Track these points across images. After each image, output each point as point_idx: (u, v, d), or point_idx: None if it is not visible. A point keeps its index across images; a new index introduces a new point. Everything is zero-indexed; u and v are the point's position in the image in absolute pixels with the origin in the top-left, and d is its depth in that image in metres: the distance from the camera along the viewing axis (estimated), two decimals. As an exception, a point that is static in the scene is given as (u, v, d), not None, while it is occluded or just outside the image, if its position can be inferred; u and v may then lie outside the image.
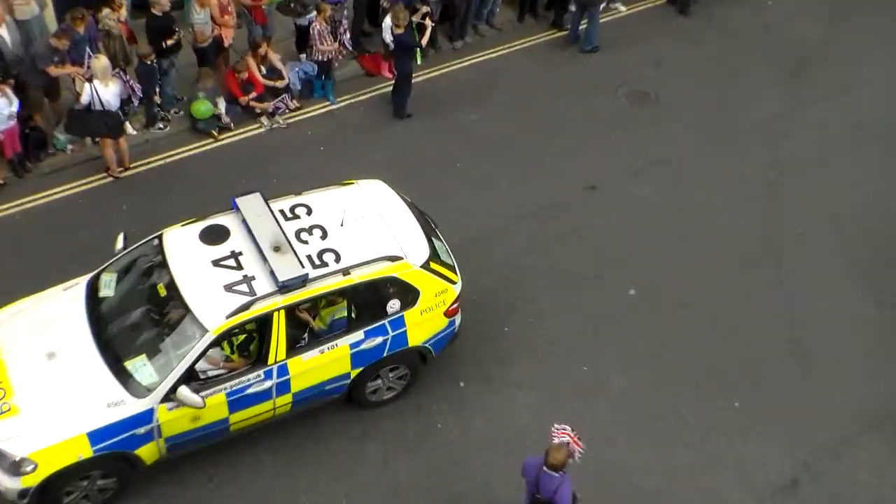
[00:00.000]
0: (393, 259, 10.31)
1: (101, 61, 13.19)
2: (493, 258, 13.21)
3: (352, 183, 11.35)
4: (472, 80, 16.62)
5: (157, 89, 14.58)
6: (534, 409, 11.41)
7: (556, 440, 9.02)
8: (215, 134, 14.78)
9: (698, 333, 12.62)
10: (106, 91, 13.17)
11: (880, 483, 11.29)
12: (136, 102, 14.60)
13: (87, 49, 13.77)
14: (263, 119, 15.08)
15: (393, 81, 15.71)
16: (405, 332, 10.60)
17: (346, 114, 15.73)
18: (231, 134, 14.99)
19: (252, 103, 14.91)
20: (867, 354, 12.55)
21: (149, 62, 14.07)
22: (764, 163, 15.42)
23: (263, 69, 15.02)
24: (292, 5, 15.57)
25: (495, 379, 11.80)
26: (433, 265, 10.63)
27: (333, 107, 15.78)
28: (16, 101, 13.14)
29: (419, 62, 15.95)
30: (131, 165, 14.19)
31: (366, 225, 10.65)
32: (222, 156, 14.68)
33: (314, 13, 15.29)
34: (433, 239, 11.02)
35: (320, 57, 15.37)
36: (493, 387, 11.69)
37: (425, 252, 10.61)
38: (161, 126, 14.81)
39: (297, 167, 14.26)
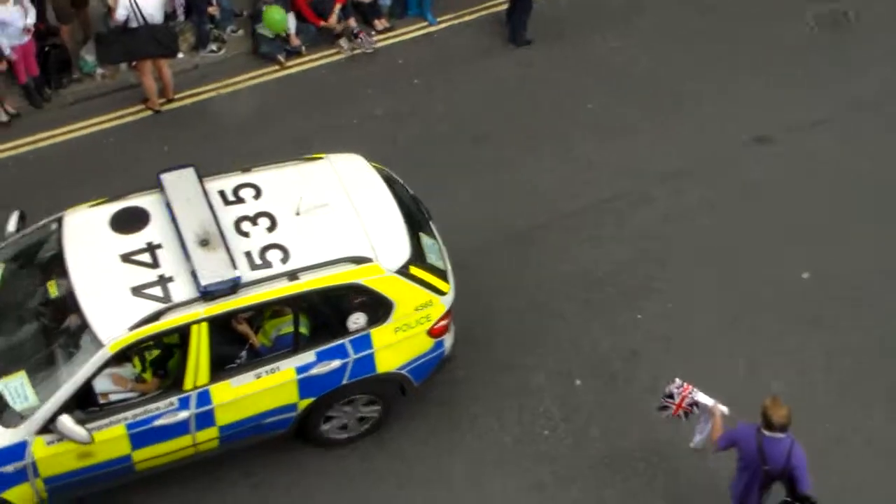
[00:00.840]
0: (358, 261, 9.57)
1: (132, -36, 12.59)
2: (628, 226, 12.70)
3: (321, 157, 10.61)
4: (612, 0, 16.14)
5: (212, 1, 14.44)
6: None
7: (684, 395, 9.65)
8: (282, 60, 14.66)
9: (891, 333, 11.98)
10: (147, 2, 12.96)
11: None
12: (181, 17, 14.47)
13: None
14: (343, 42, 14.96)
15: (510, -2, 15.09)
16: (372, 354, 9.92)
17: (448, 37, 15.49)
18: (301, 60, 14.88)
19: (329, 22, 14.75)
20: None
21: None
22: None
23: None
24: None
25: (619, 377, 11.38)
26: (415, 270, 9.81)
27: (432, 28, 15.63)
28: (32, 11, 12.87)
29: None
30: (176, 97, 14.13)
31: (329, 215, 9.89)
32: (289, 89, 14.51)
33: None
34: (422, 235, 10.25)
35: None
36: (616, 385, 11.30)
37: (405, 252, 9.83)
38: (214, 48, 14.70)
39: (383, 106, 14.06)
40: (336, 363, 9.78)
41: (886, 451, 10.98)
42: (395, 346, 10.00)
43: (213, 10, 14.44)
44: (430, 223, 10.62)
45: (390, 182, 10.54)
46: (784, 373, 11.42)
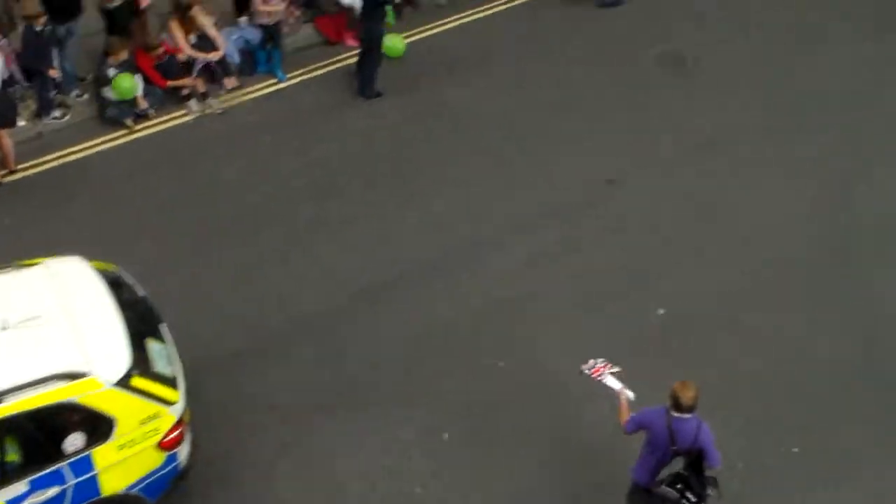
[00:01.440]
0: (72, 376, 8.79)
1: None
2: (485, 275, 12.70)
3: (37, 263, 9.91)
4: (460, 45, 16.42)
5: (53, 65, 14.12)
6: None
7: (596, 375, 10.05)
8: (130, 124, 14.50)
9: (748, 362, 12.17)
10: None
11: None
12: (22, 83, 14.19)
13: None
14: (192, 103, 14.88)
15: (358, 50, 15.38)
16: (95, 476, 9.18)
17: (298, 93, 15.46)
18: (150, 124, 14.72)
19: (177, 81, 14.71)
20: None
21: (39, 28, 13.65)
22: (835, 139, 15.11)
23: (192, 37, 14.87)
24: None
25: (483, 429, 11.31)
26: (137, 381, 9.12)
27: (282, 85, 15.60)
28: None
29: (391, 23, 15.73)
30: (18, 167, 13.82)
31: (41, 327, 9.12)
32: (139, 153, 14.32)
33: None
34: (148, 341, 9.61)
35: (266, 20, 15.32)
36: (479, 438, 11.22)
37: (125, 362, 9.11)
38: (58, 114, 14.44)
39: (236, 165, 13.97)
40: (53, 491, 9.01)
41: (748, 476, 11.24)
42: (120, 465, 9.26)
43: (54, 73, 14.19)
44: (161, 326, 9.94)
45: (115, 285, 9.84)
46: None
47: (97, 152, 14.37)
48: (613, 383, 10.07)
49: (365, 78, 15.25)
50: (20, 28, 14.05)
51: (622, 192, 14.09)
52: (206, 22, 15.06)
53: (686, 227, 13.69)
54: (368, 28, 14.95)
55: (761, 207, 13.90)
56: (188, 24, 14.84)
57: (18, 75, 14.18)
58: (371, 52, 15.11)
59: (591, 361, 10.17)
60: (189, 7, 14.78)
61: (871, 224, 13.73)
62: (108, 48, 14.52)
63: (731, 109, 15.55)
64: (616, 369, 10.13)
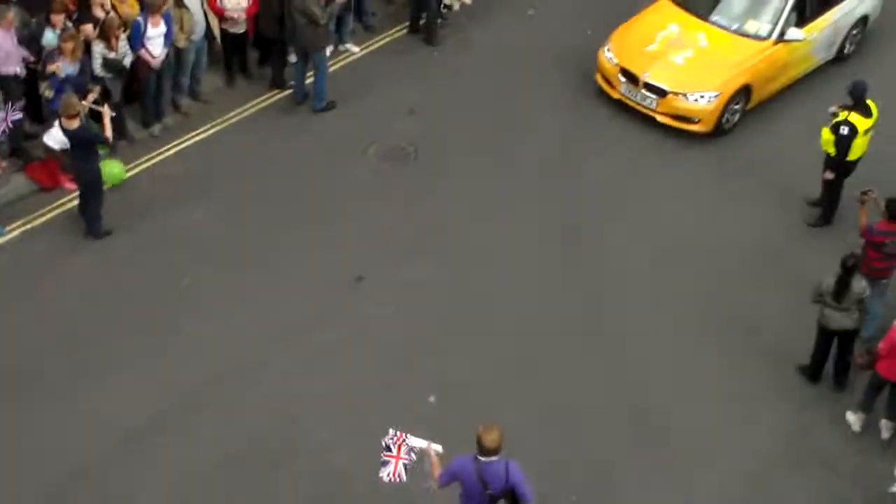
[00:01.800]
0: None
1: None
2: (256, 393, 12.80)
3: None
4: (183, 171, 16.26)
5: None
6: None
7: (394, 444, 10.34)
8: None
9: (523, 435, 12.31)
10: None
11: None
12: None
13: None
14: None
15: (78, 191, 15.03)
16: None
17: (20, 247, 14.94)
18: None
19: None
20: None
21: None
22: (559, 209, 15.99)
23: None
24: None
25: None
26: None
27: (2, 240, 15.05)
28: None
29: (106, 154, 15.36)
30: None
31: None
32: None
33: None
34: None
35: None
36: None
37: None
38: None
39: None
40: None
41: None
42: None
43: None
44: None
45: None
46: None
47: None
48: (419, 442, 10.33)
49: (90, 217, 14.83)
50: None
51: (370, 288, 14.45)
52: None
53: (443, 312, 14.24)
54: (81, 168, 14.60)
55: (506, 289, 14.61)
56: None
57: None
58: (92, 191, 14.68)
59: (391, 431, 10.39)
60: None
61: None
62: None
63: (458, 195, 15.99)
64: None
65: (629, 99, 17.48)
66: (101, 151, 14.96)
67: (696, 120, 17.13)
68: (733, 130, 17.61)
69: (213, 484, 11.91)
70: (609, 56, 17.65)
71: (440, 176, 16.31)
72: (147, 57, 15.99)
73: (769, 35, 17.60)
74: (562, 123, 17.66)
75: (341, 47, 18.68)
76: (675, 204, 16.24)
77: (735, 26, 17.81)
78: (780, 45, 17.62)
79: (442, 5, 19.09)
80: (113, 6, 15.89)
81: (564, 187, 16.32)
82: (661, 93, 17.14)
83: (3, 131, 14.65)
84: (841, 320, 13.18)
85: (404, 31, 19.38)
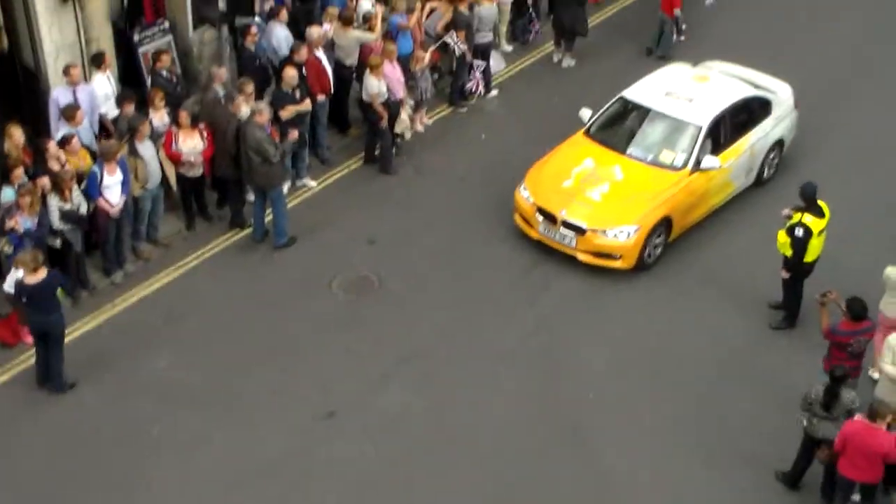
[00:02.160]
0: None
1: None
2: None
3: None
4: (146, 318, 16.20)
5: None
6: None
7: None
8: None
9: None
10: None
11: None
12: None
13: None
14: None
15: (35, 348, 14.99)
16: None
17: None
18: None
19: None
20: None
21: None
22: (528, 326, 16.18)
23: None
24: None
25: None
26: None
27: None
28: None
29: (65, 303, 15.48)
30: None
31: None
32: None
33: None
34: None
35: None
36: None
37: None
38: None
39: None
40: None
41: None
42: None
43: None
44: None
45: None
46: None
47: None
48: None
49: (54, 372, 14.75)
50: None
51: (342, 423, 14.48)
52: None
53: (417, 443, 14.27)
54: (44, 321, 14.51)
55: (480, 416, 14.67)
56: None
57: None
58: (55, 344, 14.66)
59: None
60: None
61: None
62: None
63: (424, 323, 16.10)
64: None
65: (549, 239, 17.19)
66: (62, 301, 14.99)
67: (618, 256, 16.83)
68: (686, 243, 17.69)
69: None
70: (525, 195, 17.42)
71: (405, 304, 16.46)
72: (105, 206, 16.11)
73: (685, 164, 17.41)
74: (521, 245, 17.77)
75: (298, 182, 18.88)
76: (639, 322, 16.43)
77: (650, 157, 17.60)
78: (697, 175, 17.43)
79: (394, 135, 19.39)
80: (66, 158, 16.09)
81: (529, 312, 16.48)
82: (580, 231, 16.80)
83: None
84: (828, 430, 13.18)
85: (360, 162, 19.62)
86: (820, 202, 15.71)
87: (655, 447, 14.30)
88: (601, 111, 18.42)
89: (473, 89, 21.20)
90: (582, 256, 16.86)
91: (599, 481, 13.86)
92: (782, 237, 15.72)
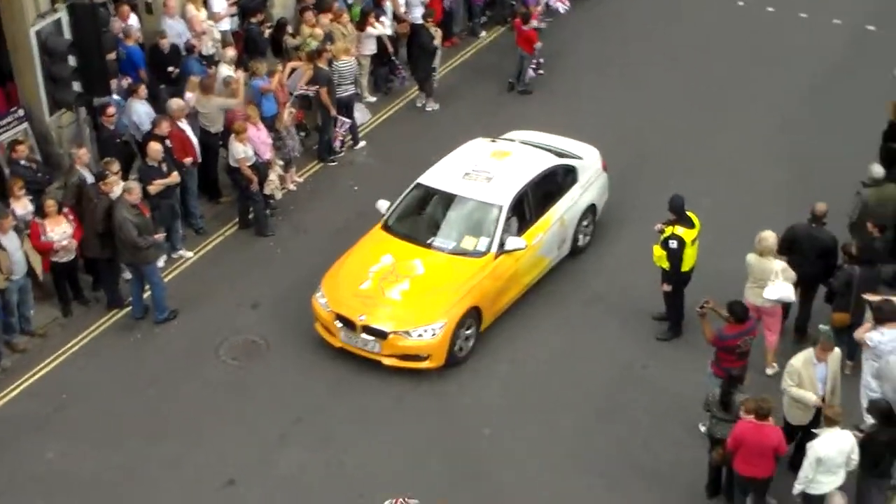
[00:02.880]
0: None
1: None
2: None
3: None
4: (30, 409, 15.92)
5: None
6: None
7: None
8: None
9: None
10: None
11: None
12: None
13: None
14: None
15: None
16: None
17: None
18: None
19: None
20: None
21: None
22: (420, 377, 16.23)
23: None
24: None
25: None
26: None
27: None
28: None
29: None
30: None
31: None
32: None
33: None
34: None
35: None
36: None
37: None
38: None
39: None
40: None
41: None
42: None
43: None
44: None
45: None
46: None
47: None
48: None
49: None
50: None
51: (243, 490, 14.38)
52: None
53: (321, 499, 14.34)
54: None
55: (380, 469, 14.61)
56: None
57: None
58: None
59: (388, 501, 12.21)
60: None
61: None
62: None
63: (311, 380, 16.15)
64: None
65: (352, 346, 16.16)
66: None
67: (425, 357, 15.89)
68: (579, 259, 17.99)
69: None
70: (322, 302, 16.45)
71: (295, 364, 16.53)
72: None
73: (489, 249, 16.56)
74: None
75: (174, 255, 18.88)
76: (529, 351, 16.65)
77: (452, 246, 16.75)
78: (502, 257, 16.63)
79: (266, 196, 19.56)
80: None
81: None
82: (382, 335, 15.81)
83: None
84: (728, 430, 13.60)
85: (235, 227, 19.69)
86: (689, 213, 16.17)
87: (556, 473, 14.53)
88: (398, 201, 17.65)
89: (340, 145, 21.51)
90: (387, 361, 15.91)
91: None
92: (657, 251, 16.19)
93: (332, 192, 20.63)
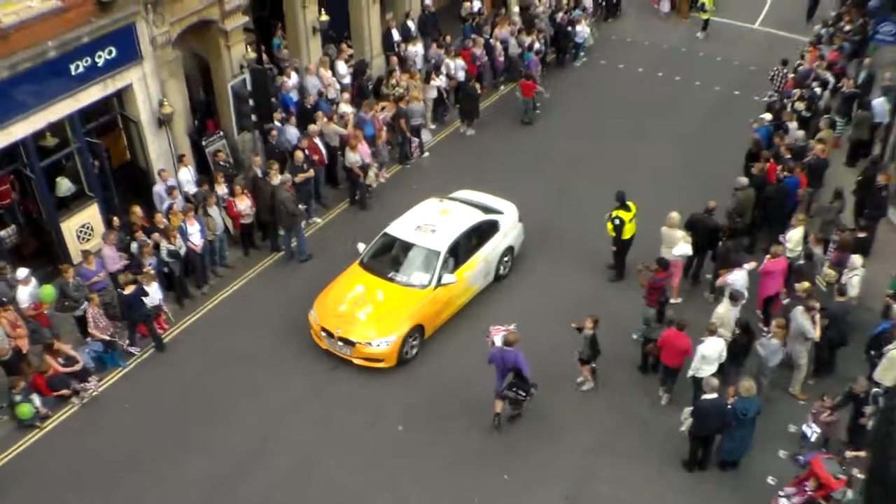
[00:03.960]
0: None
1: None
2: None
3: None
4: (226, 311, 16.99)
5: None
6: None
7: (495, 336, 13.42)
8: (39, 425, 14.80)
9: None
10: None
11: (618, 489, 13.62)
12: None
13: None
14: (74, 398, 15.23)
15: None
16: None
17: (138, 371, 15.86)
18: (52, 419, 14.89)
19: (59, 392, 15.08)
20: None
21: None
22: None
23: (61, 360, 15.22)
24: (66, 303, 15.88)
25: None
26: None
27: (126, 370, 15.91)
28: None
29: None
30: None
31: None
32: (51, 440, 14.55)
33: (86, 303, 15.76)
34: None
35: (100, 335, 15.77)
36: None
37: None
38: None
39: (112, 428, 14.56)
40: None
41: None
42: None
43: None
44: None
45: None
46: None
47: (24, 449, 14.55)
48: (499, 333, 13.73)
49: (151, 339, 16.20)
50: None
51: None
52: (66, 348, 15.55)
53: None
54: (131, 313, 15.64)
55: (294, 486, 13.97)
56: (55, 354, 15.35)
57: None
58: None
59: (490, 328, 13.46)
60: (52, 345, 15.33)
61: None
62: (11, 384, 14.85)
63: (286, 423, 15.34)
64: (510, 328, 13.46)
65: (333, 349, 15.96)
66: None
67: (381, 360, 15.74)
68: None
69: None
70: (314, 318, 16.19)
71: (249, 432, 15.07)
72: (192, 246, 17.28)
73: (430, 283, 16.22)
74: None
75: (310, 221, 19.50)
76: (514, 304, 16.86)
77: (405, 280, 16.35)
78: (440, 289, 16.27)
79: (367, 186, 20.07)
80: (168, 219, 17.43)
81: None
82: (352, 344, 15.66)
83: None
84: (657, 333, 14.71)
85: (346, 204, 20.31)
86: (629, 202, 16.98)
87: (545, 378, 14.69)
88: (371, 244, 17.09)
89: (412, 155, 21.98)
90: (356, 361, 15.77)
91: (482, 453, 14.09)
92: (609, 226, 17.16)
93: (404, 184, 20.89)
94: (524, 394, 13.85)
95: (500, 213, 18.01)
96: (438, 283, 16.27)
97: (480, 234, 17.37)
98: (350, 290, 16.28)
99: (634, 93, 25.79)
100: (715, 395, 13.07)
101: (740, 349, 14.48)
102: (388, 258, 16.95)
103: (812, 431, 13.77)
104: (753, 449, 13.78)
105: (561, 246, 18.77)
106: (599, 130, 23.64)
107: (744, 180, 18.04)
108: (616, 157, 22.13)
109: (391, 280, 16.41)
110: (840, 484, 12.31)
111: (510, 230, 18.03)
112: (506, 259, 17.94)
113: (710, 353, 13.85)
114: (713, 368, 13.82)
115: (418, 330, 16.11)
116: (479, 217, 17.51)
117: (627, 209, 17.14)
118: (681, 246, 16.45)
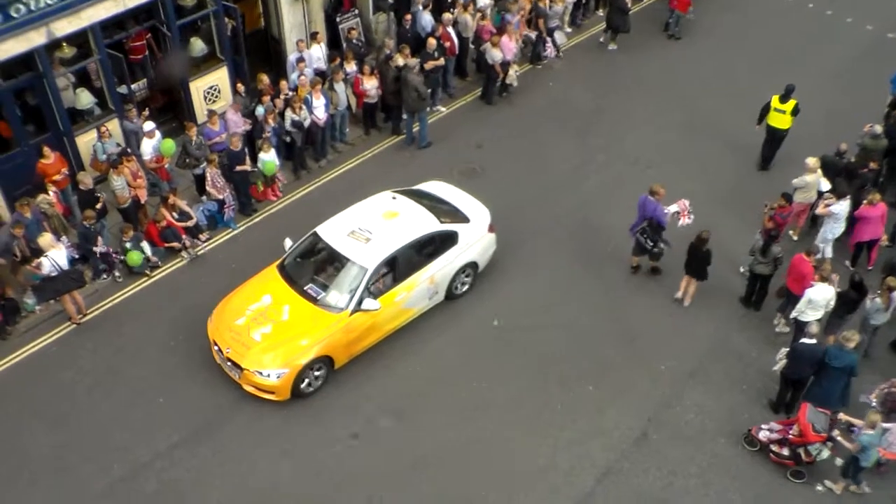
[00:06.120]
0: None
1: (45, 238, 13.53)
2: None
3: None
4: (341, 187, 16.58)
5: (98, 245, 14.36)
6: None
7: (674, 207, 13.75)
8: (148, 273, 14.93)
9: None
10: (59, 256, 13.49)
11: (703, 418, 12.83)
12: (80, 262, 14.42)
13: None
14: (183, 252, 15.25)
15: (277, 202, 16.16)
16: None
17: (247, 235, 15.70)
18: (161, 270, 15.06)
19: (170, 244, 15.11)
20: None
21: (87, 225, 14.14)
22: (572, 203, 16.50)
23: (175, 214, 15.25)
24: (186, 160, 15.74)
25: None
26: None
27: (235, 232, 15.80)
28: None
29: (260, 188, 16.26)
30: (88, 312, 14.23)
31: None
32: (159, 288, 14.74)
33: (205, 163, 15.60)
34: None
35: (216, 195, 15.65)
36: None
37: None
38: (105, 277, 14.79)
39: (216, 286, 14.04)
40: None
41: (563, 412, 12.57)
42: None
43: (98, 248, 14.63)
44: None
45: None
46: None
47: (133, 293, 14.75)
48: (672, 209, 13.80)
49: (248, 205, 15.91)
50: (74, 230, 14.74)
51: None
52: (181, 203, 15.56)
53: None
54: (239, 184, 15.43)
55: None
56: (170, 208, 15.36)
57: (77, 256, 14.54)
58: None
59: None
60: (168, 198, 15.34)
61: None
62: (123, 231, 14.92)
63: (504, 192, 16.29)
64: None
65: (224, 367, 12.96)
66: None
67: (272, 392, 12.62)
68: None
69: None
70: (209, 326, 13.23)
71: (497, 183, 16.45)
72: (316, 119, 16.85)
73: (346, 306, 12.81)
74: (570, 152, 17.95)
75: (434, 108, 19.01)
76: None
77: (320, 296, 13.03)
78: (357, 314, 12.86)
79: (506, 84, 19.20)
80: (295, 90, 17.00)
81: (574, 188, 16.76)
82: (240, 368, 12.63)
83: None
84: (762, 269, 14.00)
85: (473, 96, 19.53)
86: (789, 89, 16.36)
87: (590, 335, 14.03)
88: (297, 243, 13.78)
89: (548, 55, 20.71)
90: (246, 387, 12.77)
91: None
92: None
93: (536, 84, 19.96)
94: (652, 243, 14.00)
95: (465, 221, 14.39)
96: (357, 309, 12.98)
97: (433, 247, 13.94)
98: (255, 301, 13.17)
99: (782, 24, 23.07)
100: (814, 341, 12.59)
101: (850, 303, 13.60)
102: (311, 265, 13.77)
103: (870, 401, 12.79)
104: (842, 407, 12.62)
105: (683, 188, 16.03)
106: (747, 58, 21.42)
107: (878, 129, 16.53)
108: (754, 88, 19.56)
109: (304, 295, 13.20)
110: (817, 439, 11.70)
111: (474, 243, 14.34)
112: (465, 275, 14.44)
113: (818, 298, 13.14)
114: (818, 315, 13.14)
115: (325, 360, 12.98)
116: (432, 227, 13.90)
117: (784, 98, 16.70)
118: (824, 182, 15.54)
